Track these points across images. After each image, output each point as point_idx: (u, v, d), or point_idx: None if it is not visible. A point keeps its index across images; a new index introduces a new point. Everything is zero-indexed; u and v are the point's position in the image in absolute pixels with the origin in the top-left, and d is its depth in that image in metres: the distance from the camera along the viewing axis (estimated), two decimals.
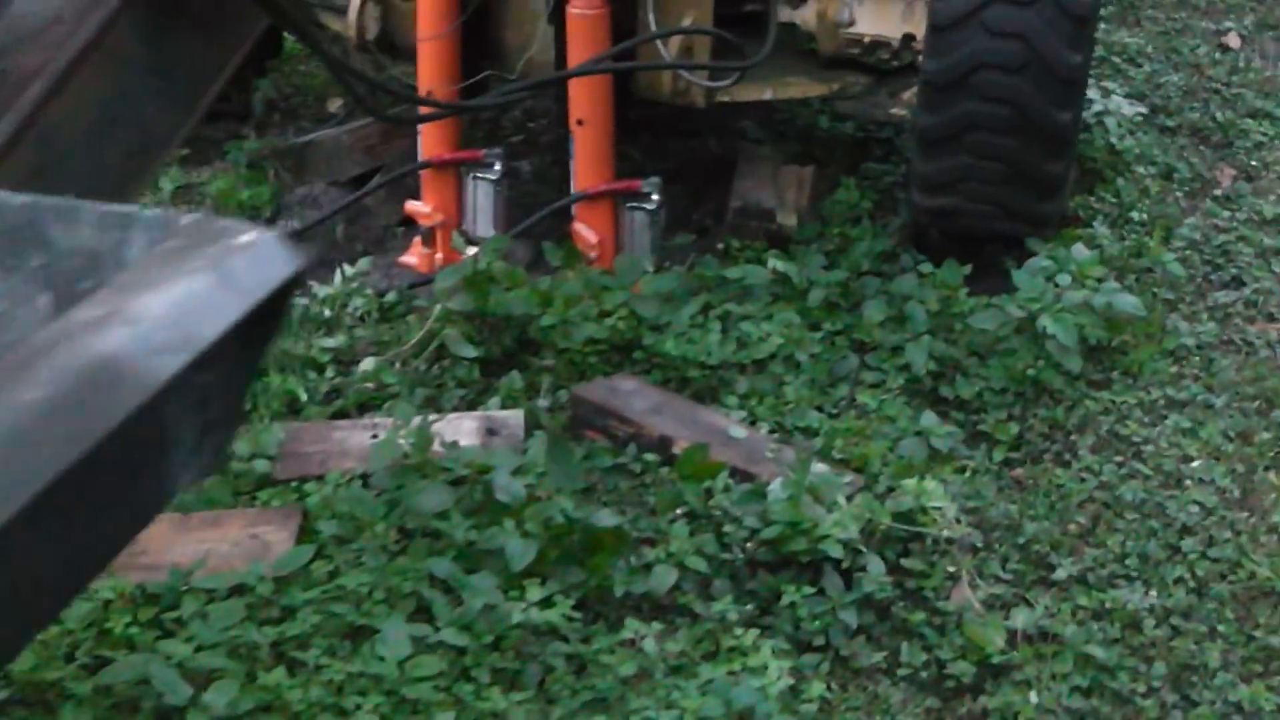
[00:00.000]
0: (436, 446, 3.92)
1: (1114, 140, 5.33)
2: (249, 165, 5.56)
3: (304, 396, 4.33)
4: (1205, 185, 5.38)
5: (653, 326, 4.34)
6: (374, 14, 5.06)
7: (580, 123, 4.76)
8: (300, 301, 4.77)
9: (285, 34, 5.91)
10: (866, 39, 4.72)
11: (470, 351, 4.39)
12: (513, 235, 4.89)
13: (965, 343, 4.35)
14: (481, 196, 4.98)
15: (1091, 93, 5.57)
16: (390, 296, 4.80)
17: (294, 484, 3.99)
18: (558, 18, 4.70)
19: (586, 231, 4.82)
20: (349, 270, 4.87)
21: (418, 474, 3.75)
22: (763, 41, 4.92)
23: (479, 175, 4.95)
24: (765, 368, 4.26)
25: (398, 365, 4.45)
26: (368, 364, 4.42)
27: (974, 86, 4.31)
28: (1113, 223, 5.03)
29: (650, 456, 3.97)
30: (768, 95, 4.85)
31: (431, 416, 4.06)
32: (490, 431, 4.10)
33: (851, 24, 4.72)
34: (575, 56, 4.69)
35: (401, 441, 3.82)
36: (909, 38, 4.64)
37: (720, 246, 4.93)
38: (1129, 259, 4.79)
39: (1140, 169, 5.34)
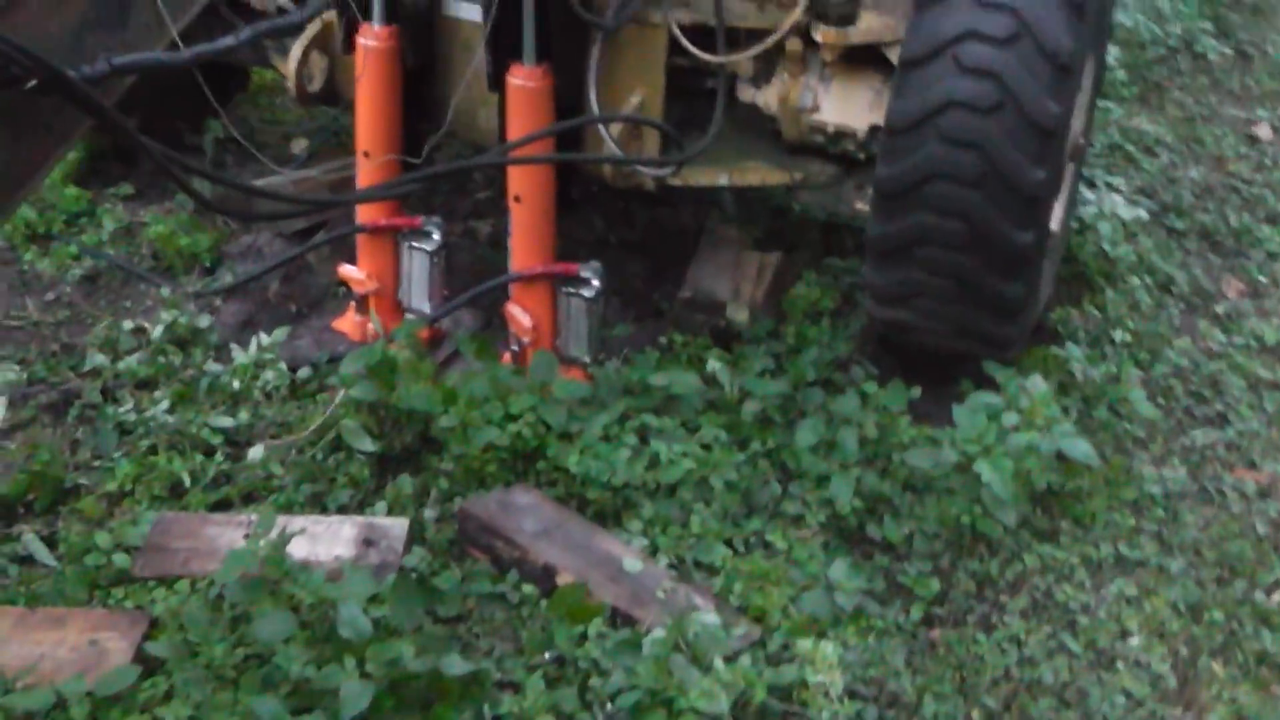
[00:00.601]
0: (300, 554, 3.65)
1: (1107, 246, 4.92)
2: (196, 207, 5.28)
3: (188, 481, 4.05)
4: (1206, 300, 4.95)
5: (562, 434, 4.01)
6: (320, 65, 4.77)
7: (517, 199, 4.44)
8: (211, 368, 4.50)
9: (252, 68, 5.67)
10: (830, 128, 4.34)
11: (369, 445, 4.09)
12: (433, 319, 4.59)
13: (902, 476, 3.98)
14: (417, 267, 4.67)
15: (1088, 191, 5.17)
16: (303, 372, 4.50)
17: (152, 584, 3.72)
18: (499, 85, 4.36)
19: (521, 315, 4.49)
20: (264, 339, 4.58)
21: (268, 592, 3.45)
22: (729, 119, 4.59)
23: (415, 245, 4.64)
24: (675, 492, 3.91)
25: (293, 453, 4.15)
26: (257, 451, 4.14)
27: (926, 197, 3.94)
28: (1093, 341, 4.63)
29: (529, 588, 3.65)
30: (723, 181, 4.49)
31: (301, 521, 3.78)
32: (367, 542, 3.80)
33: (815, 110, 4.35)
34: (514, 129, 4.35)
35: (257, 552, 3.52)
36: (876, 129, 4.26)
37: (663, 340, 4.58)
38: (1103, 386, 4.38)
39: (1134, 279, 4.93)
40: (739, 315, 4.61)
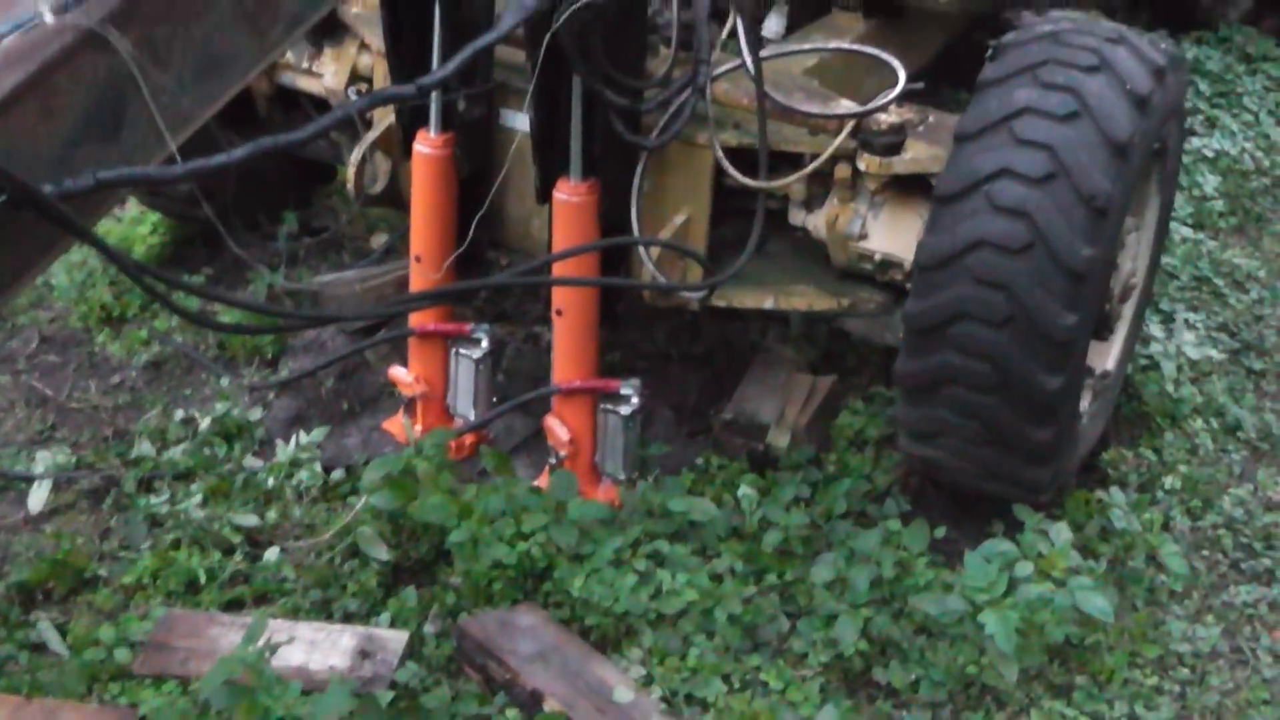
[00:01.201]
0: (296, 662, 3.67)
1: (1169, 386, 4.75)
2: (268, 300, 5.36)
3: (204, 579, 4.09)
4: (1274, 446, 4.75)
5: (573, 556, 3.97)
6: (383, 167, 4.83)
7: (559, 313, 4.43)
8: (250, 464, 4.55)
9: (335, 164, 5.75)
10: (878, 256, 4.27)
11: (383, 554, 4.10)
12: (474, 427, 4.60)
13: (917, 619, 3.87)
14: (463, 373, 4.68)
15: (1156, 328, 5.01)
16: (337, 473, 4.53)
17: (148, 681, 3.76)
18: (547, 198, 4.37)
19: (559, 428, 4.47)
20: (303, 438, 4.62)
21: (246, 702, 3.45)
22: (781, 241, 4.55)
23: (462, 351, 4.65)
24: (678, 622, 3.84)
25: (311, 556, 4.17)
26: (273, 553, 4.17)
27: (954, 336, 3.84)
28: (1143, 485, 4.46)
29: (514, 713, 3.62)
30: (768, 304, 4.43)
31: (304, 628, 3.80)
32: (364, 653, 3.81)
33: (863, 237, 4.28)
34: (558, 243, 4.35)
35: (244, 659, 3.53)
36: None
37: (700, 461, 4.52)
38: (1142, 535, 4.22)
39: (1197, 421, 4.74)
40: (779, 440, 4.53)
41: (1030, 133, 3.77)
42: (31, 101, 2.79)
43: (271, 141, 3.26)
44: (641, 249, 4.29)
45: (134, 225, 5.68)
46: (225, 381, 4.97)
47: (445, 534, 4.03)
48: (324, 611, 4.00)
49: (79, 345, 5.23)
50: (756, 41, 4.14)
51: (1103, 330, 4.22)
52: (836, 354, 5.00)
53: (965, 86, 4.32)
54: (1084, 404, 4.33)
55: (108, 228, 5.73)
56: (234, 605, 4.06)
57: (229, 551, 4.20)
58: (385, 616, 3.94)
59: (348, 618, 3.98)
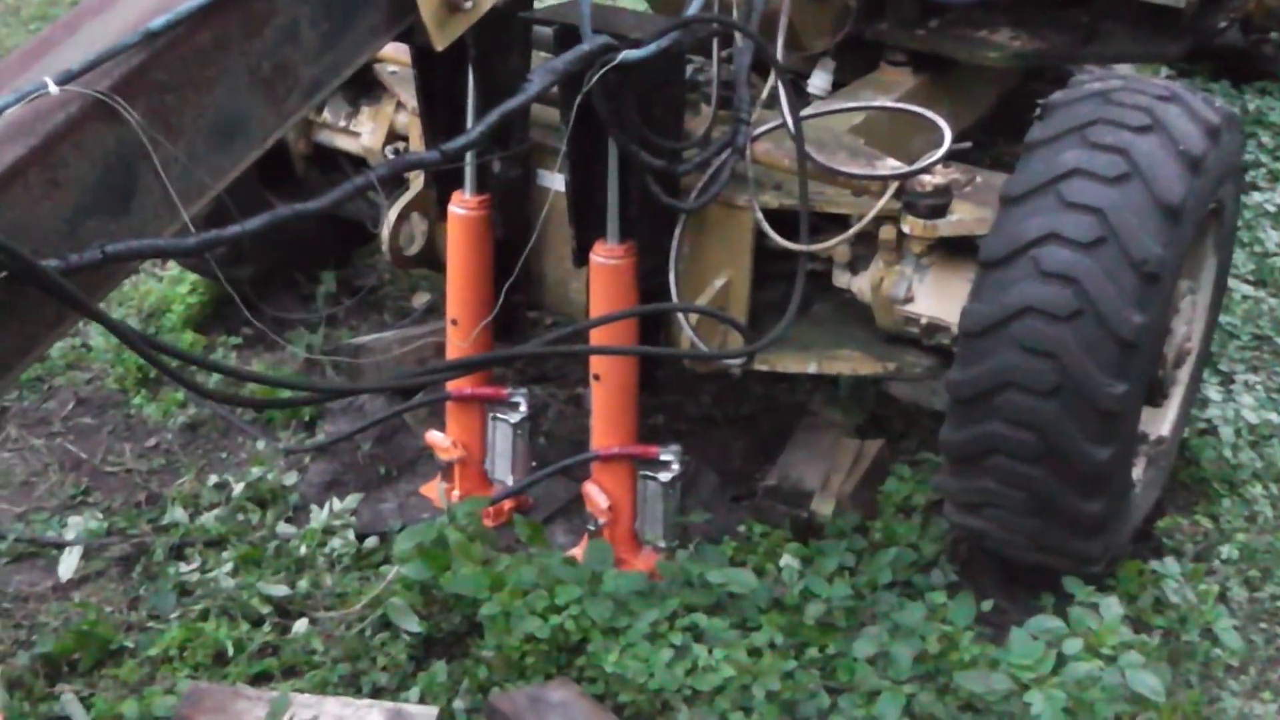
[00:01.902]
0: None
1: (1227, 453, 4.59)
2: (306, 360, 5.30)
3: (231, 651, 4.00)
4: None
5: (608, 629, 3.85)
6: (420, 228, 4.76)
7: (596, 378, 4.33)
8: (283, 530, 4.47)
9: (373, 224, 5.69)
10: (924, 320, 4.15)
11: (414, 626, 4.00)
12: (507, 494, 4.51)
13: (964, 696, 3.72)
14: (500, 438, 4.60)
15: (1214, 390, 4.85)
16: (370, 542, 4.44)
17: None
18: (584, 260, 4.28)
19: (597, 495, 4.37)
20: (337, 505, 4.53)
21: None
22: (826, 303, 4.44)
23: (499, 416, 4.57)
24: (714, 700, 3.71)
25: (342, 628, 4.07)
26: (301, 625, 4.07)
27: (999, 406, 3.71)
28: (1199, 555, 4.30)
29: None
30: (811, 369, 4.31)
31: (331, 704, 3.69)
32: None
33: (909, 301, 4.16)
34: (595, 306, 4.26)
35: None
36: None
37: (742, 529, 4.40)
38: (1196, 608, 4.06)
39: (1256, 488, 4.58)
40: (823, 508, 4.41)
41: (1078, 196, 3.65)
42: (36, 174, 2.73)
43: (290, 211, 3.19)
44: (680, 314, 4.19)
45: (173, 285, 5.64)
46: (261, 445, 4.91)
47: (477, 605, 3.93)
48: (353, 685, 3.90)
49: (115, 407, 5.17)
50: (796, 100, 4.04)
51: (1156, 396, 4.08)
52: (884, 417, 4.88)
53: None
54: (1137, 472, 4.19)
55: (148, 288, 5.70)
56: (262, 678, 3.97)
57: (258, 623, 4.11)
58: (415, 691, 3.84)
59: (377, 691, 3.88)
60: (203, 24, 2.95)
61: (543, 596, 3.88)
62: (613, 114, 3.85)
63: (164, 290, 5.64)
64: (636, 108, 3.89)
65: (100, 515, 4.59)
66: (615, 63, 3.65)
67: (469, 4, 3.38)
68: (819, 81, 5.08)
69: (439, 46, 3.44)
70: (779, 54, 4.34)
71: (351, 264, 5.73)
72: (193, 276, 5.60)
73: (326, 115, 5.06)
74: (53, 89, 2.73)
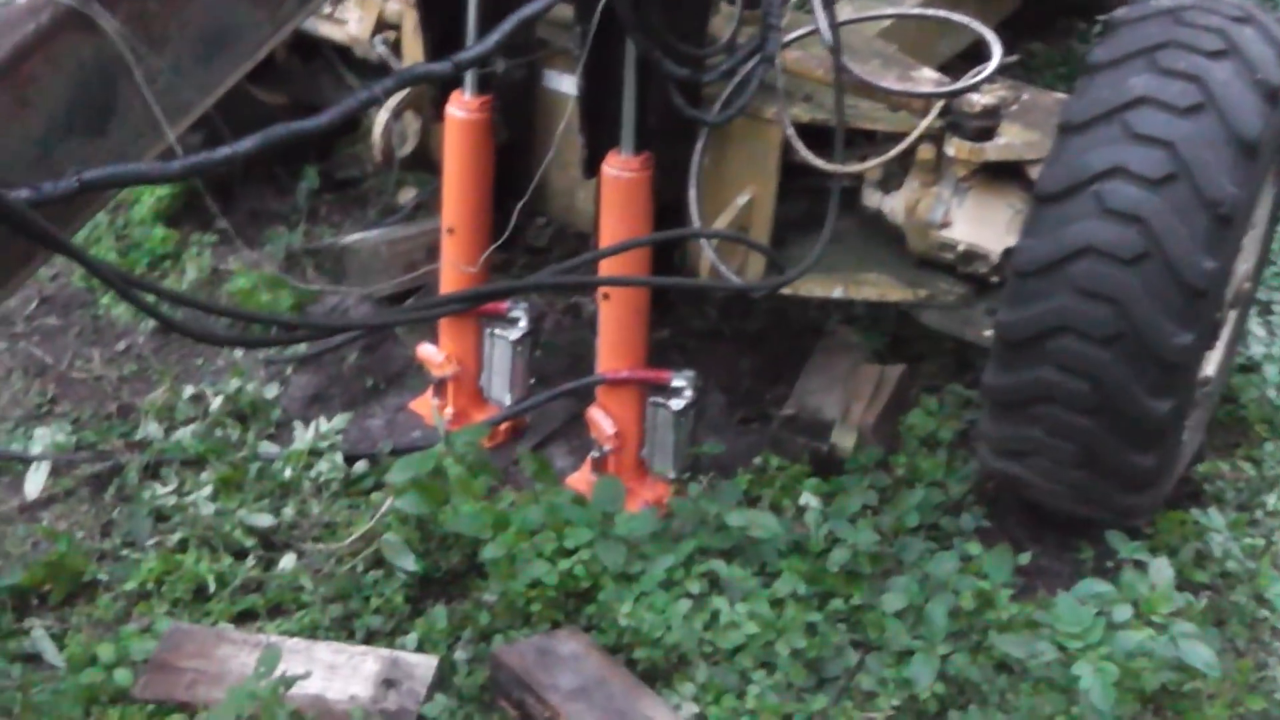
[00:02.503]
0: (314, 689, 3.33)
1: (1271, 393, 4.34)
2: (285, 259, 4.97)
3: (213, 586, 3.73)
4: None
5: (620, 575, 3.59)
6: (413, 126, 4.42)
7: (605, 296, 4.03)
8: (265, 450, 4.17)
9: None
10: (961, 246, 3.86)
11: (411, 564, 3.73)
12: (506, 416, 4.23)
13: (997, 657, 3.50)
14: (498, 355, 4.30)
15: (1256, 324, 4.59)
16: (359, 466, 4.15)
17: (150, 708, 3.41)
18: (594, 171, 3.96)
19: (603, 421, 4.09)
20: (323, 426, 4.24)
21: None
22: (850, 221, 4.13)
23: (497, 331, 4.26)
24: (734, 657, 3.47)
25: (331, 563, 3.80)
26: (288, 561, 3.80)
27: (1051, 351, 3.44)
28: (1241, 505, 4.07)
29: None
30: (837, 293, 4.02)
31: (322, 650, 3.45)
32: (388, 682, 3.45)
33: (946, 225, 3.87)
34: (607, 222, 3.95)
35: (256, 693, 3.18)
36: (1012, 253, 3.74)
37: (758, 461, 4.13)
38: (1243, 563, 3.83)
39: None
40: (844, 441, 4.14)
41: (1148, 127, 3.35)
42: (2, 91, 2.40)
43: (285, 130, 2.84)
44: (703, 240, 3.88)
45: None
46: (239, 354, 4.59)
47: (479, 545, 3.66)
48: (345, 628, 3.64)
49: (82, 307, 4.84)
50: (833, 4, 3.70)
51: (1210, 339, 3.81)
52: (904, 339, 4.59)
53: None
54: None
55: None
56: (246, 616, 3.70)
57: (240, 555, 3.83)
58: (412, 637, 3.58)
59: (370, 636, 3.62)
60: None
61: (550, 539, 3.62)
62: (634, 16, 3.51)
63: None
64: (660, 11, 3.55)
65: (69, 428, 4.29)
66: None
67: None
68: None
69: None
70: None
71: (333, 155, 5.35)
72: None
73: None
74: None
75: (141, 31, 2.56)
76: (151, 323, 4.72)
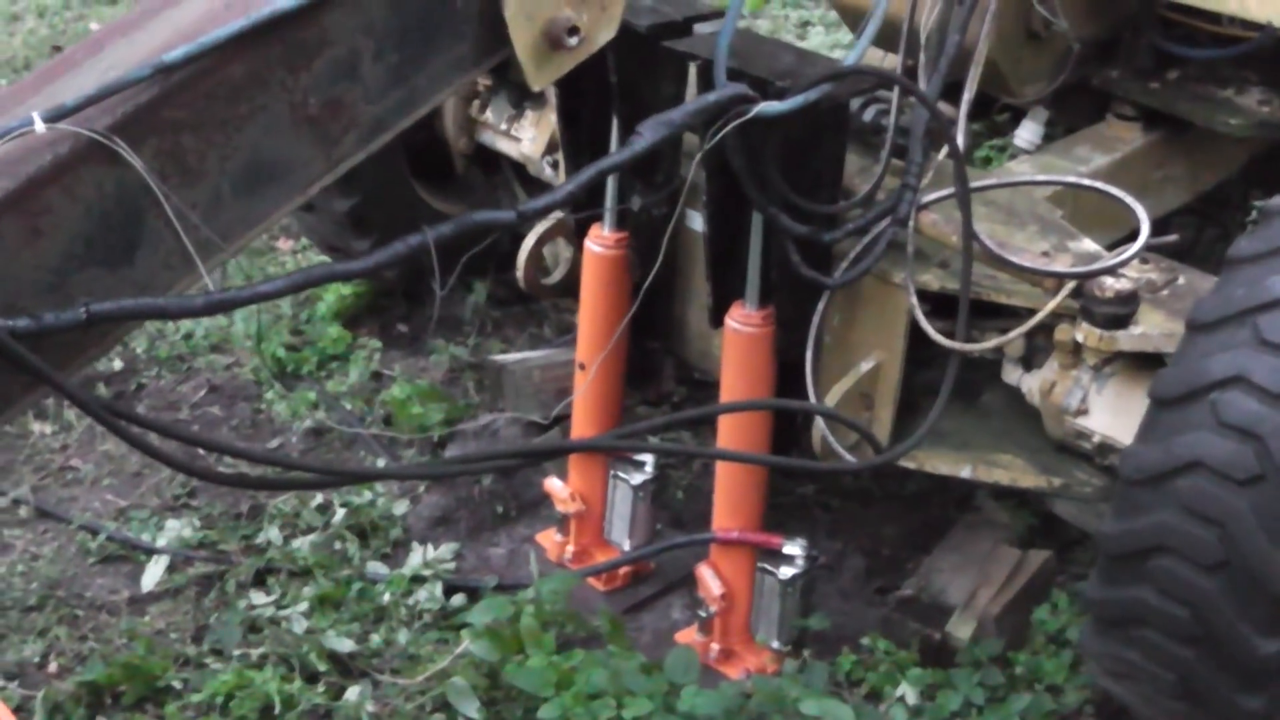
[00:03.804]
0: None
1: None
2: (449, 371, 4.97)
3: (279, 708, 3.69)
4: None
5: None
6: (565, 254, 4.36)
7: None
8: (373, 570, 4.13)
9: None
10: (1096, 437, 3.57)
11: (473, 712, 3.65)
12: (617, 564, 4.12)
13: None
14: (619, 498, 4.18)
15: None
16: (457, 599, 4.07)
17: None
18: (719, 320, 3.82)
19: (711, 580, 3.93)
20: (430, 553, 4.18)
21: None
22: (996, 396, 3.89)
23: (621, 475, 4.15)
24: None
25: (400, 700, 3.72)
26: (354, 692, 3.73)
27: (1152, 572, 3.12)
28: None
29: None
30: (965, 473, 3.77)
31: None
32: None
33: (1083, 413, 3.59)
34: (728, 375, 3.81)
35: None
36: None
37: (865, 642, 3.90)
38: None
39: None
40: (960, 630, 3.87)
41: None
42: (12, 220, 2.40)
43: (324, 272, 2.83)
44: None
45: None
46: (380, 464, 4.58)
47: (541, 701, 3.53)
48: None
49: (246, 400, 4.91)
50: (964, 169, 3.47)
51: None
52: (1058, 522, 4.27)
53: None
54: None
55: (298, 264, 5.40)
56: None
57: (313, 678, 3.78)
58: None
59: None
60: (234, 56, 2.57)
61: (609, 705, 3.46)
62: (749, 172, 3.36)
63: None
64: (782, 164, 3.40)
65: (198, 523, 4.34)
66: (748, 117, 3.16)
67: (574, 40, 2.93)
68: (1026, 134, 4.49)
69: (535, 87, 3.01)
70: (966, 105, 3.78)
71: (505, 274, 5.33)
72: None
73: (489, 115, 4.69)
74: (39, 127, 2.41)
75: (174, 165, 2.55)
76: (306, 422, 4.76)
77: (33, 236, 2.44)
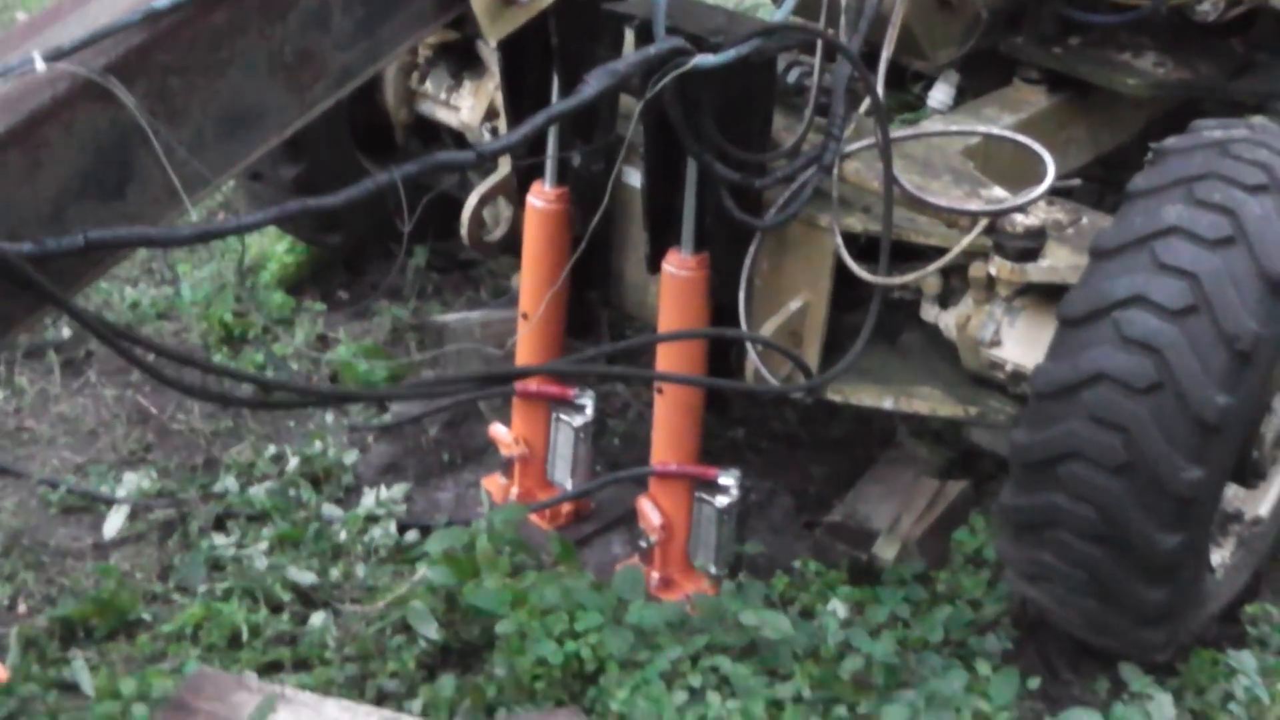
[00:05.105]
0: None
1: None
2: (391, 333, 5.18)
3: (246, 635, 3.89)
4: None
5: (625, 662, 3.65)
6: (505, 213, 4.58)
7: (659, 391, 4.12)
8: (329, 512, 4.34)
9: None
10: (1009, 366, 3.86)
11: (432, 633, 3.84)
12: (559, 500, 4.33)
13: None
14: (562, 440, 4.41)
15: None
16: (410, 535, 4.29)
17: None
18: (656, 267, 4.06)
19: (651, 512, 4.17)
20: (383, 494, 4.39)
21: None
22: (915, 334, 4.17)
23: (563, 417, 4.38)
24: None
25: (360, 626, 3.93)
26: (318, 618, 3.94)
27: (1061, 476, 3.41)
28: None
29: None
30: (887, 404, 4.04)
31: (332, 707, 3.55)
32: None
33: (995, 344, 3.87)
34: (664, 318, 4.04)
35: None
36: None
37: (796, 565, 4.16)
38: (1271, 710, 3.72)
39: None
40: (885, 552, 4.14)
41: (1173, 257, 3.32)
42: (15, 154, 2.60)
43: (298, 206, 3.02)
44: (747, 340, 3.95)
45: (273, 241, 5.52)
46: (328, 419, 4.78)
47: (497, 619, 3.76)
48: (358, 687, 3.76)
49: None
50: (885, 118, 3.75)
51: (1250, 478, 3.73)
52: (975, 456, 4.56)
53: None
54: (1222, 555, 3.86)
55: (252, 240, 5.58)
56: (273, 667, 3.84)
57: (278, 609, 3.98)
58: (419, 702, 3.68)
59: (382, 697, 3.74)
60: (217, 5, 2.78)
61: (562, 619, 3.69)
62: (686, 122, 3.61)
63: (266, 245, 5.53)
64: (716, 116, 3.65)
65: (154, 475, 4.51)
66: (686, 68, 3.41)
67: None
68: (940, 95, 4.77)
69: (492, 40, 3.25)
70: (884, 63, 4.05)
71: (454, 236, 5.54)
72: (290, 236, 5.49)
73: (429, 86, 4.90)
74: (40, 66, 2.60)
75: (163, 105, 2.75)
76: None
77: (34, 168, 2.64)
